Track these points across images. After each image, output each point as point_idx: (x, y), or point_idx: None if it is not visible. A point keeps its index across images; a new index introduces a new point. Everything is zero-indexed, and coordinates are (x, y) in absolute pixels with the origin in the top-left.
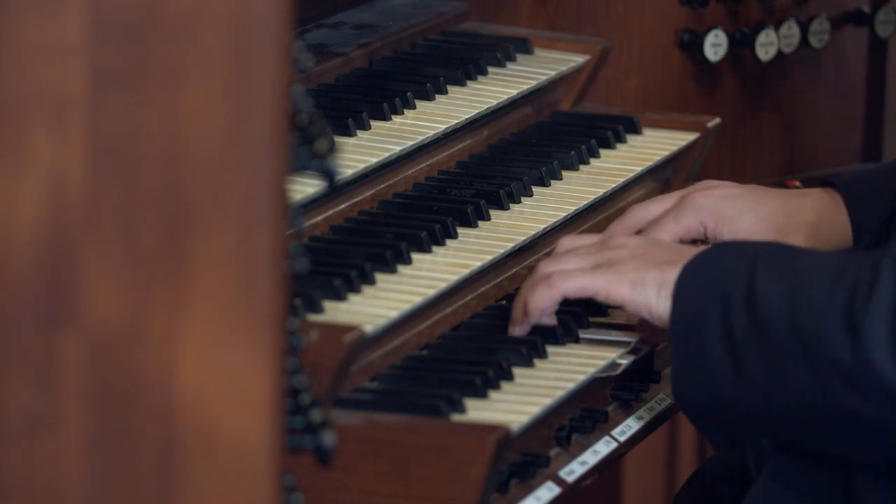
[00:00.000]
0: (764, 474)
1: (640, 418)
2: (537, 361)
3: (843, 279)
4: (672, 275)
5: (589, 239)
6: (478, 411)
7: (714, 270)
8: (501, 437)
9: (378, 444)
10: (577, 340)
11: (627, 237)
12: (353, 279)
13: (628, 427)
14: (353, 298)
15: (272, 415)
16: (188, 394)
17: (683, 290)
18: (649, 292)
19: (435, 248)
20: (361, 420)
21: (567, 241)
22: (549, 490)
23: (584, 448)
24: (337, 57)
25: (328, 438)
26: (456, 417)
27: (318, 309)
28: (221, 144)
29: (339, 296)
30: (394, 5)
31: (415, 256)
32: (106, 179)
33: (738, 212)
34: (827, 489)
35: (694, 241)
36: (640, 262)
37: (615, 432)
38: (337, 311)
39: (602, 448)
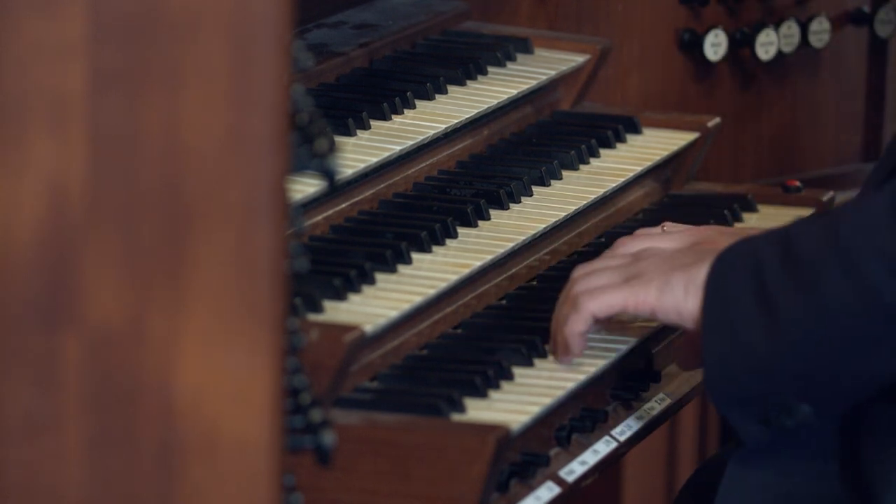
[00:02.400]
0: (733, 459)
1: (640, 418)
2: (537, 361)
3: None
4: (699, 272)
5: (619, 257)
6: (478, 411)
7: (746, 251)
8: (501, 437)
9: (378, 443)
10: None
11: (658, 242)
12: (353, 279)
13: (628, 427)
14: (354, 298)
15: (272, 415)
16: (188, 394)
17: (715, 277)
18: (676, 293)
19: (435, 248)
20: (361, 420)
21: (595, 263)
22: (549, 490)
23: (584, 448)
24: (337, 57)
25: (328, 438)
26: (456, 417)
27: (318, 309)
28: (221, 144)
29: (339, 295)
30: (394, 5)
31: (415, 256)
32: (106, 179)
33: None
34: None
35: None
36: (667, 267)
37: (615, 432)
38: (337, 311)
39: (602, 448)
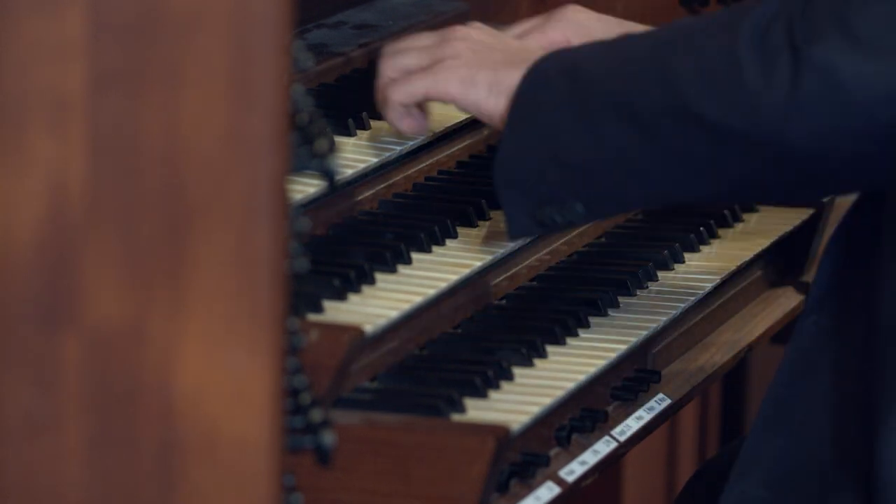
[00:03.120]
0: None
1: (640, 418)
2: (537, 361)
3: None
4: (507, 76)
5: (429, 36)
6: (478, 411)
7: (566, 56)
8: (501, 437)
9: (378, 443)
10: (577, 339)
11: (471, 29)
12: (352, 279)
13: (628, 427)
14: (353, 298)
15: (272, 415)
16: (188, 394)
17: (524, 84)
18: (479, 91)
19: (435, 248)
20: (361, 420)
21: (405, 41)
22: (549, 490)
23: (584, 448)
24: (337, 57)
25: (328, 438)
26: (456, 417)
27: (318, 309)
28: (221, 144)
29: (339, 296)
30: (394, 5)
31: (415, 256)
32: (106, 179)
33: (605, 34)
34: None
35: None
36: (475, 60)
37: (615, 432)
38: (337, 311)
39: (602, 448)
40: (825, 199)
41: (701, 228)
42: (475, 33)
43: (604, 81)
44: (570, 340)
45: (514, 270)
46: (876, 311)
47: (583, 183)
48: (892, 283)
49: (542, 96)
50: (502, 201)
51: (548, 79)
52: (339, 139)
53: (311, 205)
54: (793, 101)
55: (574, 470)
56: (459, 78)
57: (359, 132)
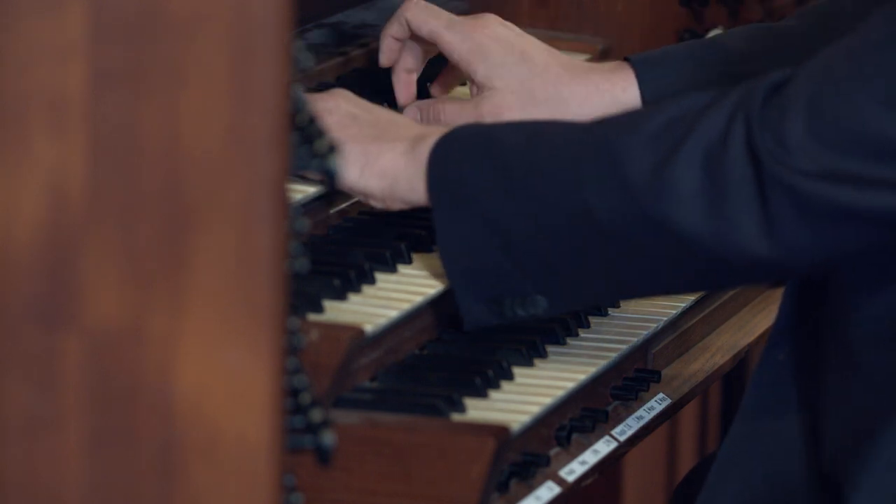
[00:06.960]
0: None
1: (640, 418)
2: (537, 361)
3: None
4: (378, 156)
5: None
6: (478, 411)
7: (475, 134)
8: (502, 437)
9: (378, 443)
10: (577, 339)
11: (340, 100)
12: (353, 279)
13: (628, 427)
14: (354, 298)
15: (272, 414)
16: (188, 394)
17: (434, 160)
18: (351, 172)
19: (435, 248)
20: (361, 420)
21: None
22: (549, 490)
23: (584, 448)
24: (337, 57)
25: (328, 438)
26: (456, 417)
27: (318, 309)
28: (221, 144)
29: (339, 295)
30: (394, 5)
31: (415, 256)
32: (106, 179)
33: (503, 59)
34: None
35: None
36: (345, 138)
37: (615, 432)
38: (337, 311)
39: (602, 448)
40: None
41: None
42: (344, 104)
43: (539, 171)
44: (570, 340)
45: None
46: (829, 350)
47: (542, 276)
48: (854, 323)
49: (468, 179)
50: (454, 292)
51: (465, 158)
52: None
53: (311, 205)
54: (769, 233)
55: (574, 470)
56: None
57: None
